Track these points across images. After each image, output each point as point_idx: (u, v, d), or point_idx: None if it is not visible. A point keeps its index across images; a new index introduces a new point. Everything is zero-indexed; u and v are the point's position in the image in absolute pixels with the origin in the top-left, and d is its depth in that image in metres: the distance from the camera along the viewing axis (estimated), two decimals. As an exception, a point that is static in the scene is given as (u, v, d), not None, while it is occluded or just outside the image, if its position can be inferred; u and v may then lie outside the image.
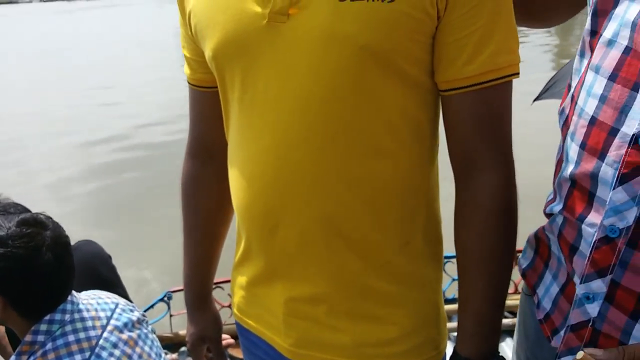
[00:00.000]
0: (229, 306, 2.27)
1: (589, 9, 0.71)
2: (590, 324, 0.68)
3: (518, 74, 0.75)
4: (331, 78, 0.73)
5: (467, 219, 0.79)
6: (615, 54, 0.63)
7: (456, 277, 2.47)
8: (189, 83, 0.95)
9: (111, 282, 1.72)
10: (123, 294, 1.68)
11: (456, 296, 2.47)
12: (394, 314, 0.83)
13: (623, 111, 0.61)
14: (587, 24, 0.69)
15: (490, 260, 0.78)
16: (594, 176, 0.64)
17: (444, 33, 0.73)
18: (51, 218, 1.15)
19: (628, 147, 0.59)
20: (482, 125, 0.76)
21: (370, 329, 0.84)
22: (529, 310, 0.83)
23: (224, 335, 1.16)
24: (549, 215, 0.75)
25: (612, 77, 0.63)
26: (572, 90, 0.71)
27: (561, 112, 0.74)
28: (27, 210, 1.39)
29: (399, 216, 0.80)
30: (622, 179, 0.60)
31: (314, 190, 0.77)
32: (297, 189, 0.78)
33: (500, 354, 0.83)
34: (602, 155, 0.63)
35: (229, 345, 1.45)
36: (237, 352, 2.18)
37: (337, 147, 0.75)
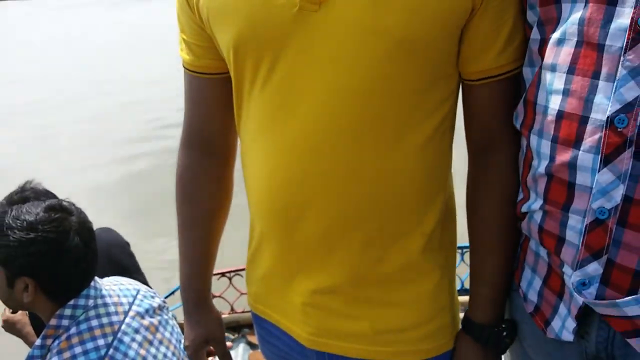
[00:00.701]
0: (249, 294, 2.30)
1: (530, 25, 0.74)
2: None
3: None
4: (365, 71, 0.71)
5: (488, 193, 0.83)
6: (567, 49, 0.66)
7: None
8: (187, 70, 0.89)
9: (130, 269, 1.74)
10: (143, 280, 1.70)
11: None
12: (411, 300, 0.85)
13: (588, 99, 0.64)
14: (532, 35, 0.73)
15: (506, 231, 0.83)
16: (572, 165, 0.66)
17: (478, 24, 0.73)
18: (74, 205, 1.18)
19: (606, 129, 0.63)
20: (502, 109, 0.79)
21: (389, 316, 0.85)
22: (517, 305, 0.85)
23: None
24: (523, 214, 0.77)
25: (571, 70, 0.66)
26: (524, 96, 0.74)
27: (515, 117, 0.77)
28: (56, 197, 1.45)
29: (421, 207, 0.81)
30: (606, 160, 0.63)
31: (341, 183, 0.77)
32: (324, 181, 0.77)
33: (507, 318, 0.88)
34: (577, 144, 0.65)
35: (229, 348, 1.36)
36: (256, 339, 2.22)
37: (366, 140, 0.75)
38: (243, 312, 2.23)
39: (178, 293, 2.24)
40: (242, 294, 2.29)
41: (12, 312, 1.44)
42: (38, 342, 1.14)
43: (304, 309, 0.87)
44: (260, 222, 0.87)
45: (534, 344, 0.82)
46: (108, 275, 1.32)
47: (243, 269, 2.22)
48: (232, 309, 2.25)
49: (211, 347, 1.05)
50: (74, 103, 7.71)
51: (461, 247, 2.09)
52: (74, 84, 8.83)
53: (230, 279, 2.23)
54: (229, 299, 2.20)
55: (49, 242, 1.08)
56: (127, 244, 1.84)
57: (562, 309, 0.74)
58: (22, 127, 6.74)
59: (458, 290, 2.31)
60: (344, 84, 0.72)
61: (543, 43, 0.71)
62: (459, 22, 0.72)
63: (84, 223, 1.16)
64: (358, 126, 0.74)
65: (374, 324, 0.85)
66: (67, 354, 1.10)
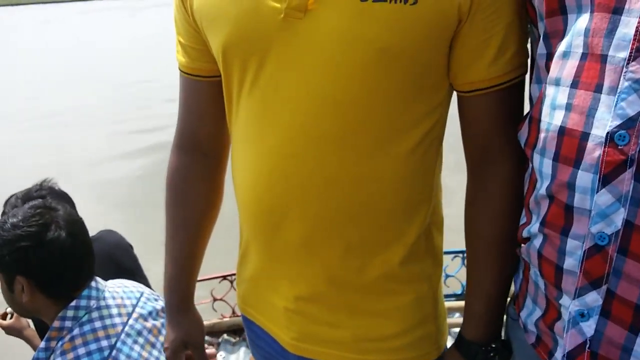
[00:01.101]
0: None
1: (535, 38, 0.72)
2: (587, 346, 0.65)
3: (527, 71, 0.77)
4: (347, 80, 0.72)
5: (484, 207, 0.81)
6: (572, 63, 0.63)
7: (452, 273, 2.42)
8: (183, 72, 0.90)
9: (133, 271, 1.75)
10: (145, 283, 1.71)
11: (455, 292, 2.41)
12: (393, 309, 0.85)
13: (590, 114, 0.60)
14: (539, 49, 0.70)
15: (503, 246, 0.81)
16: (570, 185, 0.62)
17: (466, 36, 0.72)
18: (66, 205, 1.22)
19: (605, 147, 0.58)
20: (499, 121, 0.78)
21: (369, 324, 0.85)
22: (518, 335, 0.81)
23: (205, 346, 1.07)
24: (525, 239, 0.74)
25: (574, 84, 0.62)
26: (530, 113, 0.72)
27: (520, 136, 0.74)
28: (69, 197, 1.52)
29: (404, 216, 0.81)
30: (605, 181, 0.59)
31: (321, 189, 0.77)
32: (304, 187, 0.78)
33: (503, 338, 0.86)
34: (577, 163, 0.61)
35: (212, 356, 1.29)
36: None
37: (348, 148, 0.75)
38: (238, 315, 2.25)
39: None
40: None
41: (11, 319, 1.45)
42: (42, 344, 1.15)
43: (287, 314, 0.87)
44: (246, 225, 0.88)
45: None
46: (110, 278, 1.33)
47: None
48: (233, 312, 2.25)
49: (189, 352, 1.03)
50: (92, 106, 8.07)
51: (462, 252, 2.11)
52: (92, 87, 9.24)
53: (232, 282, 2.24)
54: (231, 302, 2.21)
55: (30, 236, 1.12)
56: (130, 247, 1.84)
57: (562, 343, 0.69)
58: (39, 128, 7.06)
59: (458, 295, 2.29)
60: (325, 91, 0.73)
61: (549, 57, 0.68)
62: (445, 34, 0.72)
63: (70, 216, 1.19)
64: (339, 133, 0.75)
65: (355, 332, 0.85)
66: (70, 355, 1.11)
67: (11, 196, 1.54)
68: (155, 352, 1.24)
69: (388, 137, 0.76)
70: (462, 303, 2.08)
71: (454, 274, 2.22)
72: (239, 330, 2.19)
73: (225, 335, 2.23)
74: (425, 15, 0.69)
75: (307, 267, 0.83)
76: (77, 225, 1.19)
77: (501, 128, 0.78)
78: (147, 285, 1.69)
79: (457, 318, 2.08)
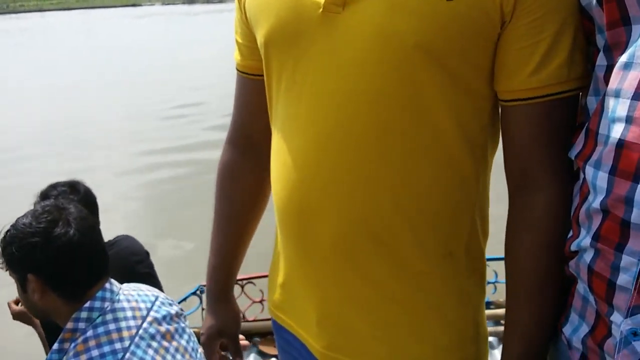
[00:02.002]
0: (261, 302, 2.30)
1: (591, 51, 0.70)
2: None
3: (584, 87, 0.72)
4: (380, 76, 0.71)
5: (524, 238, 0.76)
6: (634, 74, 0.61)
7: (490, 280, 2.41)
8: (237, 70, 0.94)
9: (146, 278, 1.76)
10: (160, 289, 1.72)
11: (490, 299, 2.42)
12: (430, 327, 0.80)
13: None
14: (598, 61, 0.67)
15: (544, 282, 0.75)
16: (628, 200, 0.60)
17: (509, 39, 0.69)
18: (79, 205, 1.23)
19: None
20: (543, 140, 0.73)
21: (406, 342, 0.81)
22: (558, 351, 0.79)
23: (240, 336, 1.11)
24: (573, 253, 0.71)
25: (636, 97, 0.60)
26: (586, 125, 0.69)
27: (573, 148, 0.72)
28: (91, 195, 1.64)
29: (440, 226, 0.77)
30: None
31: (353, 189, 0.75)
32: (336, 186, 0.75)
33: None
34: (636, 177, 0.59)
35: (245, 347, 1.38)
36: (267, 349, 2.21)
37: (381, 147, 0.73)
38: (254, 320, 2.23)
39: (189, 300, 2.26)
40: (254, 302, 2.29)
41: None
42: (56, 346, 1.14)
43: (319, 321, 0.85)
44: (279, 224, 0.87)
45: None
46: (123, 282, 1.34)
47: (256, 277, 2.23)
48: (243, 317, 2.24)
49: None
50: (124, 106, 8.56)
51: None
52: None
53: (242, 286, 2.23)
54: (241, 306, 2.19)
55: (38, 233, 1.13)
56: (147, 254, 1.86)
57: None
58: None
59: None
60: (361, 87, 0.72)
61: (609, 69, 0.65)
62: (486, 34, 0.69)
63: (81, 216, 1.19)
64: (374, 131, 0.73)
65: (390, 348, 0.81)
66: (84, 357, 1.10)
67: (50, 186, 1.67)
68: (168, 357, 1.23)
69: (427, 138, 0.73)
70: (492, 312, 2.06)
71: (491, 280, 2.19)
72: (249, 336, 2.17)
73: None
74: (462, 11, 0.68)
75: (338, 272, 0.80)
76: (86, 223, 1.19)
77: (543, 148, 0.73)
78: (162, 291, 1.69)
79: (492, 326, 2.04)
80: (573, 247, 0.71)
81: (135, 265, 1.79)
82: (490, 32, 0.70)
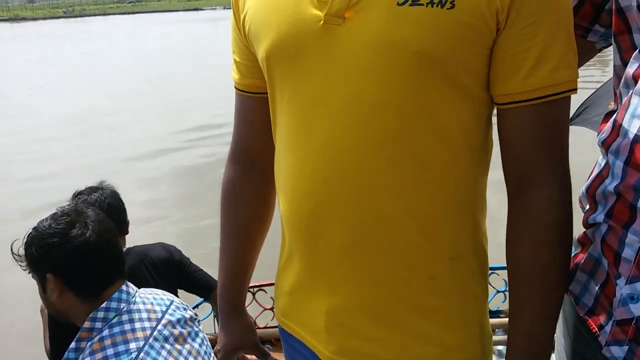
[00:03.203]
0: (272, 309, 2.31)
1: (621, 48, 0.75)
2: (633, 321, 0.72)
3: (576, 89, 0.75)
4: (385, 84, 0.72)
5: (522, 234, 0.78)
6: None
7: (500, 289, 2.40)
8: (236, 88, 0.95)
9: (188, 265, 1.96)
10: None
11: (500, 308, 2.41)
12: (438, 329, 0.82)
13: None
14: (634, 59, 0.71)
15: (544, 277, 0.77)
16: (636, 189, 0.68)
17: (503, 45, 0.72)
18: (97, 210, 1.29)
19: None
20: (539, 140, 0.75)
21: (414, 343, 0.82)
22: (567, 307, 0.86)
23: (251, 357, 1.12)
24: (590, 225, 0.78)
25: None
26: (615, 116, 0.73)
27: (601, 134, 0.76)
28: (118, 199, 1.75)
29: (447, 229, 0.79)
30: None
31: (362, 196, 0.76)
32: (344, 194, 0.77)
33: None
34: None
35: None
36: (278, 355, 2.22)
37: (387, 154, 0.74)
38: (266, 327, 2.24)
39: (202, 306, 2.27)
40: (265, 309, 2.31)
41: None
42: (72, 345, 1.17)
43: (328, 326, 0.85)
44: (287, 233, 0.88)
45: (577, 347, 0.84)
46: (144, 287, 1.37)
47: (266, 284, 2.25)
48: (254, 324, 2.26)
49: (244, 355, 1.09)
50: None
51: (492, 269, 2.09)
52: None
53: (253, 294, 2.24)
54: (252, 314, 2.21)
55: (57, 234, 1.17)
56: (181, 258, 1.97)
57: (614, 315, 0.75)
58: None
59: (493, 312, 2.25)
60: (365, 96, 0.73)
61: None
62: (483, 40, 0.71)
63: (99, 219, 1.24)
64: (379, 139, 0.74)
65: (398, 351, 0.82)
66: (99, 355, 1.12)
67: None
68: (181, 359, 1.24)
69: (432, 143, 0.75)
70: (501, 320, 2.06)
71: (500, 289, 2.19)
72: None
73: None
74: (461, 19, 0.69)
75: (349, 277, 0.81)
76: (103, 225, 1.24)
77: (543, 147, 0.75)
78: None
79: (499, 335, 2.04)
80: (590, 220, 0.78)
81: (155, 276, 1.85)
82: (487, 39, 0.72)
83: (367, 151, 0.75)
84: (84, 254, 1.17)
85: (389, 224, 0.77)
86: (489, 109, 0.79)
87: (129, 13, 53.52)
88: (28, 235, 1.20)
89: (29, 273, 1.24)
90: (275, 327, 2.18)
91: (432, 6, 0.69)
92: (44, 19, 49.57)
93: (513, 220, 0.80)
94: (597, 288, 0.78)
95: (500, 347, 1.93)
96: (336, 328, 0.85)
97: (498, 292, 2.17)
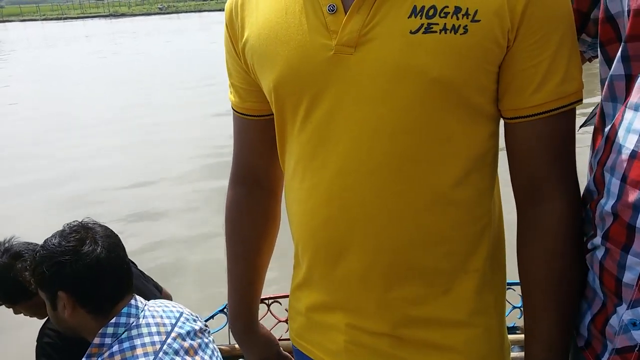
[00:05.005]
0: (286, 321, 2.29)
1: (608, 57, 0.73)
2: (636, 349, 0.69)
3: (582, 100, 0.75)
4: (401, 110, 0.72)
5: (534, 247, 0.78)
6: None
7: (516, 305, 2.36)
8: (235, 111, 0.95)
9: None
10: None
11: (516, 324, 2.37)
12: (460, 343, 0.82)
13: None
14: (614, 70, 0.70)
15: (557, 287, 0.77)
16: (635, 207, 0.65)
17: (512, 62, 0.72)
18: (104, 225, 1.29)
19: None
20: (548, 153, 0.76)
21: (436, 359, 0.82)
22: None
23: None
24: (589, 249, 0.76)
25: None
26: (605, 132, 0.72)
27: (595, 154, 0.74)
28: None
29: (465, 243, 0.80)
30: None
31: (380, 221, 0.77)
32: (363, 219, 0.77)
33: None
34: None
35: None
36: (292, 368, 2.19)
37: (404, 178, 0.75)
38: (280, 339, 2.22)
39: (216, 318, 2.26)
40: (279, 321, 2.29)
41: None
42: None
43: (347, 347, 0.86)
44: (304, 257, 0.87)
45: None
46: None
47: (281, 297, 2.23)
48: (270, 336, 2.24)
49: None
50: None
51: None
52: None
53: (268, 305, 2.23)
54: (267, 326, 2.19)
55: (68, 251, 1.18)
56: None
57: (610, 347, 0.72)
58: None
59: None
60: (381, 123, 0.73)
61: (629, 79, 0.69)
62: (495, 60, 0.72)
63: (107, 234, 1.25)
64: (396, 164, 0.74)
65: None
66: None
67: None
68: None
69: (446, 165, 0.75)
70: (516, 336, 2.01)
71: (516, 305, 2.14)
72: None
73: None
74: (476, 43, 0.70)
75: (370, 300, 0.81)
76: (111, 240, 1.25)
77: (551, 160, 0.76)
78: None
79: (516, 352, 1.98)
80: (589, 246, 0.76)
81: None
82: (498, 58, 0.72)
83: (383, 177, 0.75)
84: (95, 270, 1.18)
85: (408, 247, 0.78)
86: (497, 124, 0.80)
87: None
88: (36, 254, 1.21)
89: (36, 292, 1.25)
90: (289, 340, 2.17)
91: (446, 33, 0.69)
92: (141, 15, 51.64)
93: (525, 233, 0.80)
94: (590, 318, 0.76)
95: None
96: (357, 349, 0.85)
97: (514, 307, 2.12)
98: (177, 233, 4.36)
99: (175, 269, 3.81)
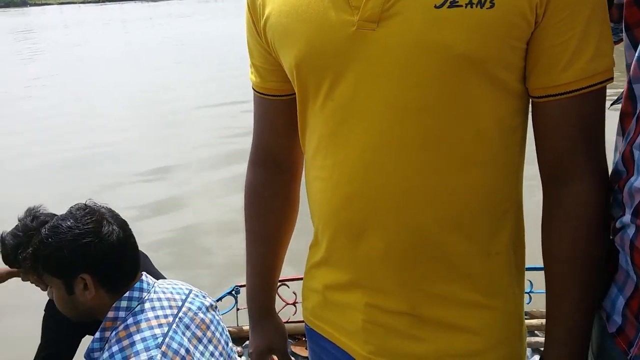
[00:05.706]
0: (294, 304, 2.32)
1: (629, 41, 0.73)
2: None
3: (612, 78, 0.73)
4: (425, 87, 0.71)
5: (560, 227, 0.77)
6: None
7: (526, 290, 2.36)
8: (255, 91, 0.94)
9: None
10: None
11: (525, 310, 2.37)
12: (479, 324, 0.81)
13: None
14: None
15: (583, 269, 0.76)
16: None
17: (541, 39, 0.71)
18: (105, 205, 1.30)
19: None
20: (576, 132, 0.74)
21: (455, 339, 0.82)
22: (596, 325, 0.81)
23: None
24: (618, 229, 0.74)
25: None
26: (637, 113, 0.70)
27: (628, 134, 0.73)
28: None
29: (488, 225, 0.79)
30: None
31: (403, 199, 0.75)
32: (386, 198, 0.76)
33: None
34: None
35: None
36: (299, 350, 2.22)
37: (428, 156, 0.74)
38: (287, 322, 2.25)
39: (225, 300, 2.28)
40: (287, 304, 2.31)
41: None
42: (97, 334, 1.19)
43: (365, 326, 0.85)
44: (324, 235, 0.87)
45: None
46: None
47: (289, 279, 2.25)
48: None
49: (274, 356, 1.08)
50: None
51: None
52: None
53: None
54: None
55: (89, 232, 1.18)
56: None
57: None
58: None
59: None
60: (405, 99, 0.72)
61: None
62: (522, 36, 0.70)
63: (115, 214, 1.27)
64: (420, 141, 0.73)
65: (439, 346, 0.82)
66: (126, 342, 1.14)
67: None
68: (200, 347, 1.26)
69: (470, 144, 0.74)
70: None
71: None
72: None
73: (248, 342, 2.23)
74: (502, 18, 0.68)
75: (391, 278, 0.81)
76: (120, 219, 1.27)
77: (580, 140, 0.74)
78: None
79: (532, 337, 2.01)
80: (618, 224, 0.74)
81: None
82: (526, 34, 0.70)
83: (407, 154, 0.74)
84: (116, 249, 1.20)
85: (430, 227, 0.77)
86: (525, 103, 0.78)
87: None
88: (46, 240, 1.18)
89: (43, 276, 1.22)
90: (297, 322, 2.20)
91: (472, 7, 0.67)
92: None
93: (550, 214, 0.79)
94: (624, 302, 0.74)
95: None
96: (374, 328, 0.85)
97: (524, 293, 2.13)
98: (195, 220, 4.36)
99: (190, 255, 3.80)
